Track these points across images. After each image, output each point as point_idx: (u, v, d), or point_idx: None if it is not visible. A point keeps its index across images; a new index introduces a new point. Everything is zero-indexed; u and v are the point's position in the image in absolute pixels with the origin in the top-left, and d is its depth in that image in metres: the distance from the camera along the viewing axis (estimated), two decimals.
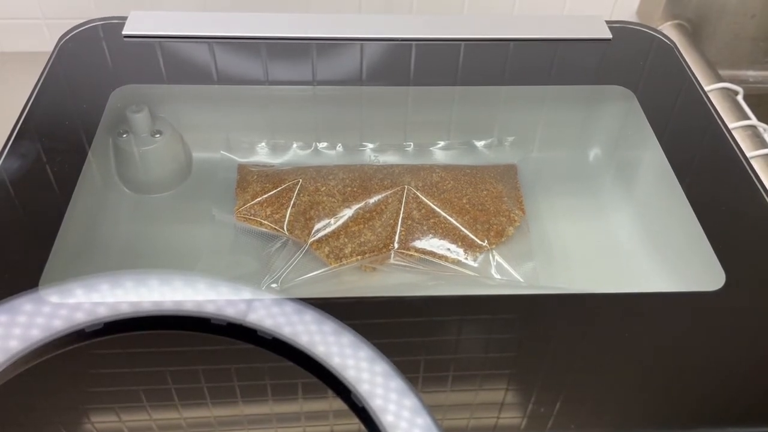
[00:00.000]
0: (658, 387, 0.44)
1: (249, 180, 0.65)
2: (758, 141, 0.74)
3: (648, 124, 0.63)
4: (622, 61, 0.70)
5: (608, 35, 0.72)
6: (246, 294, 0.47)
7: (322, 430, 0.43)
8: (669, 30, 0.92)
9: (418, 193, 0.63)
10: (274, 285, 0.58)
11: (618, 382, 0.44)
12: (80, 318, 0.45)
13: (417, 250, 0.61)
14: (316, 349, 0.43)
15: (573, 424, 0.42)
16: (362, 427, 0.41)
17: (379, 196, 0.63)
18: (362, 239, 0.61)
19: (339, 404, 0.42)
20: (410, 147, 0.71)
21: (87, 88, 0.64)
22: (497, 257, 0.61)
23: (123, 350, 0.45)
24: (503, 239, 0.62)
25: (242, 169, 0.67)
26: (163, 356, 0.45)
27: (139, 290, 0.47)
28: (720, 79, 0.83)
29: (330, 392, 0.42)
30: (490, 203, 0.64)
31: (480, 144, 0.72)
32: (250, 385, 0.43)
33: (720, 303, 0.49)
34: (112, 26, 0.69)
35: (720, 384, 0.44)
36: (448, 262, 0.60)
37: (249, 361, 0.45)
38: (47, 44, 0.86)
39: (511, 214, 0.64)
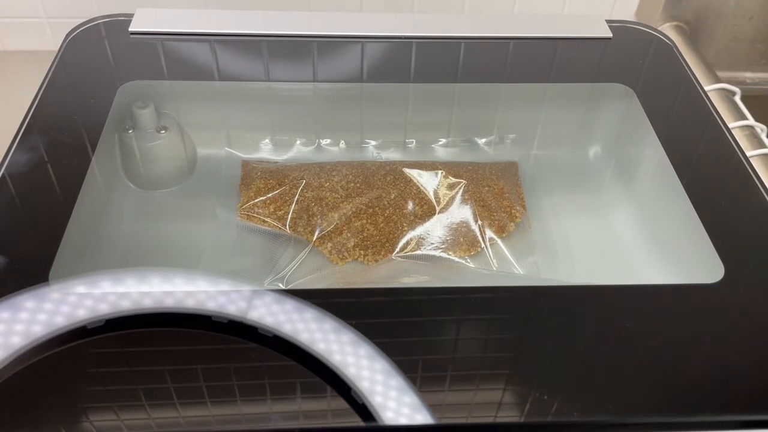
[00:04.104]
0: (657, 377, 0.44)
1: (253, 176, 0.66)
2: (755, 141, 0.75)
3: (648, 121, 0.63)
4: (623, 60, 0.70)
5: (608, 34, 0.72)
6: (247, 291, 0.47)
7: (322, 428, 0.43)
8: (667, 31, 0.92)
9: (420, 189, 0.63)
10: (279, 285, 0.58)
11: (617, 373, 0.45)
12: (82, 314, 0.45)
13: (419, 245, 0.61)
14: (317, 347, 0.43)
15: (573, 414, 0.42)
16: (362, 424, 0.41)
17: (382, 192, 0.63)
18: (365, 234, 0.61)
19: (339, 402, 0.42)
20: (412, 144, 0.72)
21: (94, 84, 0.64)
22: (499, 252, 0.62)
23: (124, 347, 0.45)
24: (505, 234, 0.63)
25: (246, 165, 0.68)
26: (164, 353, 0.45)
27: (141, 287, 0.48)
28: (718, 80, 0.84)
29: (330, 390, 0.43)
30: (492, 199, 0.64)
31: (481, 141, 0.72)
32: (251, 383, 0.43)
33: (719, 295, 0.49)
34: (118, 24, 0.70)
35: (718, 374, 0.45)
36: (450, 256, 0.61)
37: (250, 359, 0.45)
38: (50, 42, 0.87)
39: (513, 210, 0.64)
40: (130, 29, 0.69)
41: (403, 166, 0.66)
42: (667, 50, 0.71)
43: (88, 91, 0.63)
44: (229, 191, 0.66)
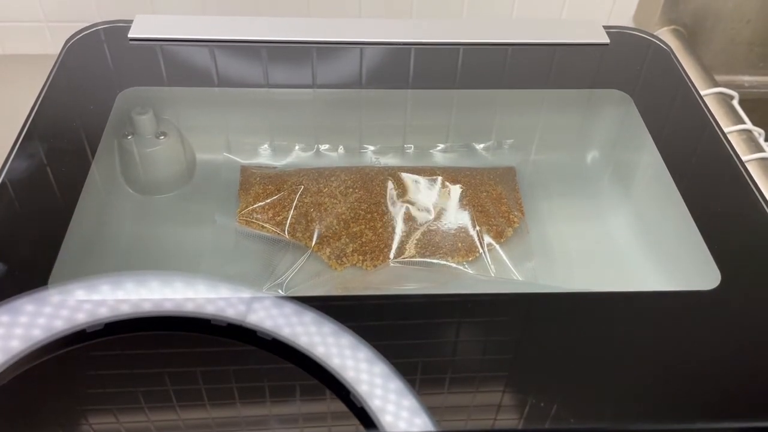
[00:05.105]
0: (653, 384, 0.44)
1: (251, 182, 0.66)
2: (753, 145, 0.75)
3: (645, 127, 0.63)
4: (620, 66, 0.70)
5: (606, 40, 0.72)
6: (246, 295, 0.47)
7: (321, 431, 0.43)
8: (665, 35, 0.92)
9: (418, 195, 0.64)
10: (279, 291, 0.58)
11: (615, 379, 0.45)
12: (81, 318, 0.45)
13: (417, 250, 0.61)
14: (316, 350, 0.44)
15: (570, 420, 0.42)
16: (361, 427, 0.41)
17: (380, 198, 0.64)
18: (363, 239, 0.61)
19: (338, 405, 0.42)
20: (410, 149, 0.72)
21: (94, 90, 0.64)
22: (497, 257, 0.62)
23: (123, 351, 0.45)
24: (502, 240, 0.63)
25: (245, 170, 0.68)
26: (163, 357, 0.45)
27: (140, 291, 0.48)
28: (716, 84, 0.84)
29: (329, 393, 0.43)
30: (490, 205, 0.64)
31: (479, 147, 0.72)
32: (250, 386, 0.44)
33: (715, 301, 0.49)
34: (118, 29, 0.70)
35: (715, 381, 0.45)
36: (448, 262, 0.61)
37: (249, 362, 0.45)
38: (49, 47, 0.87)
39: (511, 216, 0.64)
40: (130, 35, 0.69)
41: (402, 172, 0.66)
42: (665, 56, 0.72)
43: (87, 97, 0.63)
44: (228, 196, 0.66)
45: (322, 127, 0.72)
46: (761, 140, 0.76)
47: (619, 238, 0.65)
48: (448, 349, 0.47)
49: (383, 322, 0.47)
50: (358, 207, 0.63)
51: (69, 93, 0.64)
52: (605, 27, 0.74)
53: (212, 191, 0.67)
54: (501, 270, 0.61)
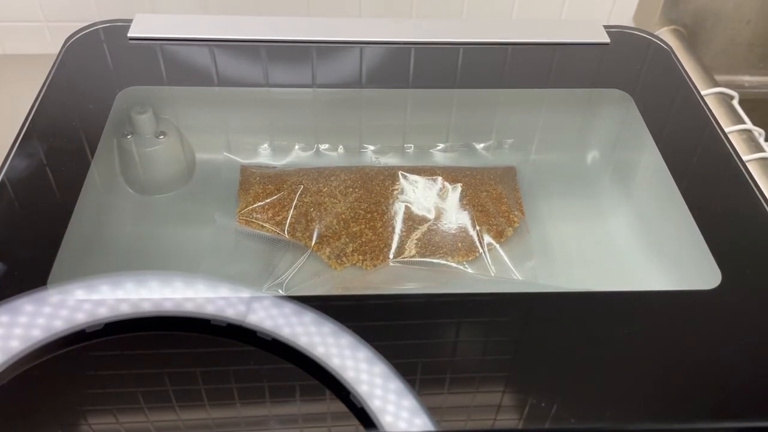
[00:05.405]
0: (654, 384, 0.44)
1: (251, 181, 0.66)
2: (753, 145, 0.75)
3: (645, 126, 0.63)
4: (620, 65, 0.70)
5: (606, 39, 0.72)
6: (246, 295, 0.47)
7: (321, 431, 0.43)
8: (665, 35, 0.92)
9: (418, 194, 0.64)
10: (279, 290, 0.58)
11: (614, 379, 0.45)
12: (81, 318, 0.45)
13: (417, 250, 0.61)
14: (316, 351, 0.44)
15: (570, 420, 0.42)
16: (361, 427, 0.41)
17: (380, 197, 0.63)
18: (363, 239, 0.61)
19: (338, 405, 0.42)
20: (411, 149, 0.72)
21: (93, 89, 0.64)
22: (497, 257, 0.62)
23: (123, 351, 0.45)
24: (503, 240, 0.63)
25: (245, 170, 0.68)
26: (163, 357, 0.45)
27: (140, 291, 0.48)
28: (716, 84, 0.84)
29: (329, 393, 0.43)
30: (490, 204, 0.64)
31: (479, 146, 0.72)
32: (250, 386, 0.44)
33: (716, 301, 0.49)
34: (117, 29, 0.70)
35: (715, 380, 0.45)
36: (448, 261, 0.61)
37: (248, 363, 0.45)
38: (49, 47, 0.87)
39: (511, 215, 0.64)
40: (129, 35, 0.69)
41: (402, 171, 0.66)
42: (665, 55, 0.72)
43: (87, 96, 0.63)
44: (228, 196, 0.66)
45: (322, 127, 0.72)
46: (761, 140, 0.76)
47: (620, 237, 0.65)
48: (448, 349, 0.47)
49: (383, 322, 0.47)
50: (358, 207, 0.63)
51: (68, 92, 0.63)
52: (605, 27, 0.74)
53: (212, 191, 0.67)
54: (501, 270, 0.61)
